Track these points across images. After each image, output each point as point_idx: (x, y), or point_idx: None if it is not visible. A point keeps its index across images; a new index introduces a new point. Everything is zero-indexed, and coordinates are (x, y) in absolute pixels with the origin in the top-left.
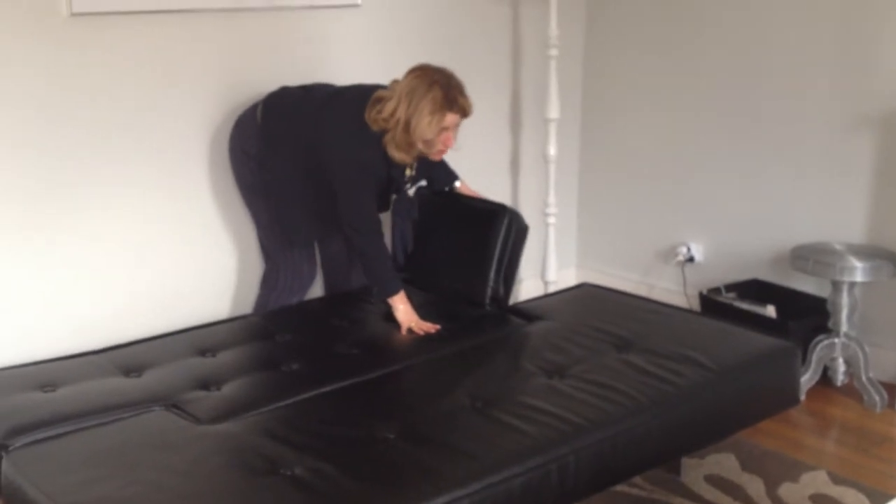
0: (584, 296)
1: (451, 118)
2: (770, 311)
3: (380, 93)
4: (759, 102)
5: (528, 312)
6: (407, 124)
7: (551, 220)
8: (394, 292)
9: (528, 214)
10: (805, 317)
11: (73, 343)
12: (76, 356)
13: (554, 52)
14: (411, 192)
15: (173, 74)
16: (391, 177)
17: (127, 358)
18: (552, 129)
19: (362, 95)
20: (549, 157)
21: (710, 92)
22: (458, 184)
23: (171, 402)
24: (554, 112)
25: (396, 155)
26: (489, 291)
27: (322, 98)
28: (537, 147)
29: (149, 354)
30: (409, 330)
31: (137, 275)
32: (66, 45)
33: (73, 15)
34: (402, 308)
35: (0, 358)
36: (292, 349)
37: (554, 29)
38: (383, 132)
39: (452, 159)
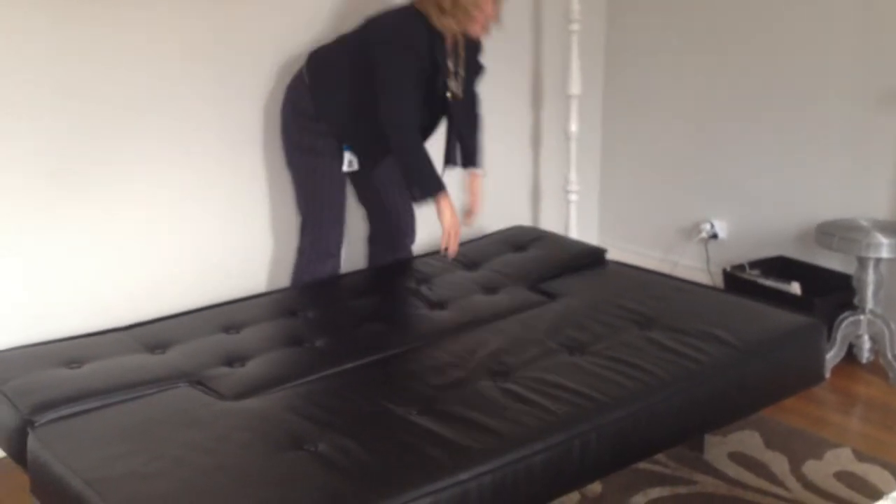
0: (606, 273)
1: None
2: (795, 287)
3: None
4: (784, 78)
5: (549, 290)
6: None
7: (573, 196)
8: (437, 189)
9: (550, 191)
10: (830, 294)
11: (98, 320)
12: (101, 333)
13: (575, 27)
14: (457, 89)
15: (194, 48)
16: (435, 61)
17: (152, 335)
18: (574, 106)
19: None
20: (570, 134)
21: (735, 67)
22: (478, 171)
23: (195, 378)
24: (575, 88)
25: (442, 21)
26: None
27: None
28: (559, 123)
29: (173, 331)
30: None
31: (164, 252)
32: (79, 21)
33: None
34: (448, 212)
35: (26, 335)
36: (316, 326)
37: (576, 3)
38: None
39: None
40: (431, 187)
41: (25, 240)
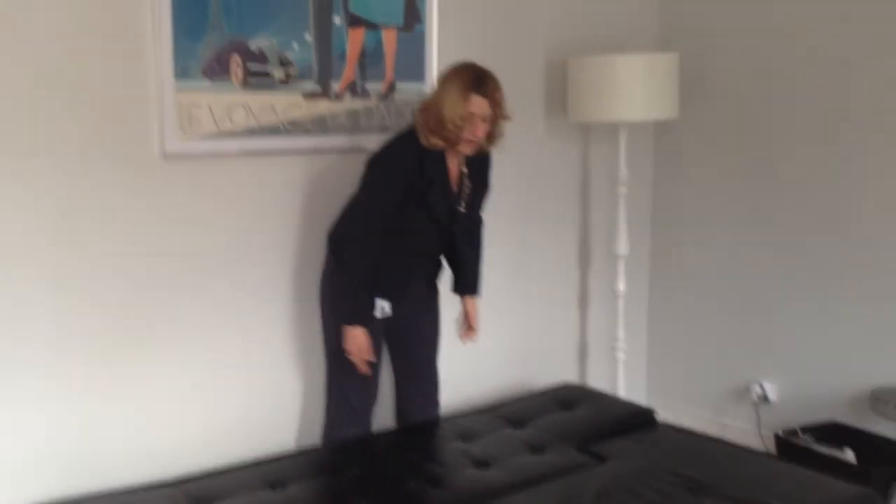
0: (656, 435)
1: (477, 101)
2: (849, 455)
3: None
4: (834, 243)
5: (598, 452)
6: (438, 107)
7: (620, 355)
8: (351, 321)
9: (597, 349)
10: (885, 462)
11: (146, 470)
12: (150, 488)
13: (623, 190)
14: (459, 205)
15: (259, 213)
16: (430, 180)
17: (199, 490)
18: (621, 265)
19: None
20: (618, 293)
21: (783, 227)
22: (470, 300)
23: None
24: (623, 248)
25: (431, 140)
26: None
27: None
28: (606, 282)
29: (220, 486)
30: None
31: (212, 404)
32: (158, 185)
33: (166, 157)
34: (353, 342)
35: (77, 485)
36: (362, 484)
37: (623, 168)
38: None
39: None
40: (347, 316)
41: (72, 388)
